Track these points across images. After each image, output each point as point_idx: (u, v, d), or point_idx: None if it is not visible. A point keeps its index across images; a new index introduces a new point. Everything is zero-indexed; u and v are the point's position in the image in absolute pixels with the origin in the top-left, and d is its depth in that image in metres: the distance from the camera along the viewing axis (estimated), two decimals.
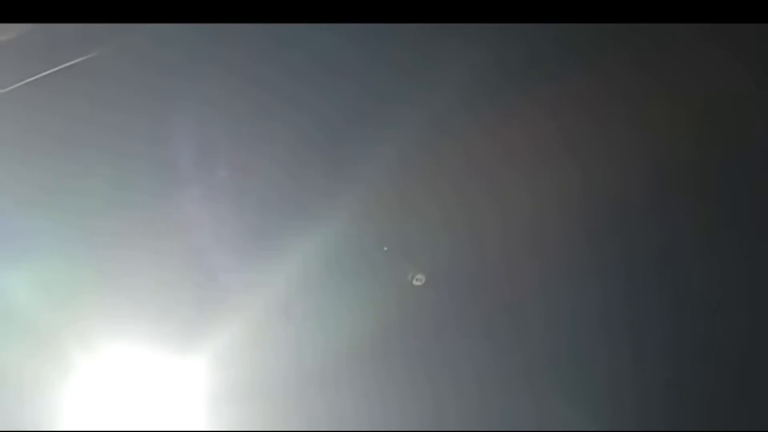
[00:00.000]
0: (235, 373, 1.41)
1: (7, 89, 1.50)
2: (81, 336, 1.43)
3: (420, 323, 1.41)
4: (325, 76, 1.46)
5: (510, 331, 1.40)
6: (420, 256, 1.44)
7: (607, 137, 1.43)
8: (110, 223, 1.51)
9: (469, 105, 1.43)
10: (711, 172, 1.43)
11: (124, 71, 1.48)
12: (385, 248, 1.44)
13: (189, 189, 1.50)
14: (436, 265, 1.43)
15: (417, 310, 1.42)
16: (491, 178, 1.44)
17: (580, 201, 1.42)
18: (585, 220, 1.42)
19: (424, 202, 1.46)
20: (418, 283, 1.42)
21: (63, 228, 1.50)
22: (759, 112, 1.41)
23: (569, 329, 1.41)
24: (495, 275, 1.43)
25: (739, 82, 1.41)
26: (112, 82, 1.50)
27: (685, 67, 1.43)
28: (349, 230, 1.42)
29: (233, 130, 1.44)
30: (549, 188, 1.42)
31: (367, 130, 1.45)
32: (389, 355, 1.39)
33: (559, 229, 1.42)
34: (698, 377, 1.40)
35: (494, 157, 1.43)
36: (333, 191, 1.44)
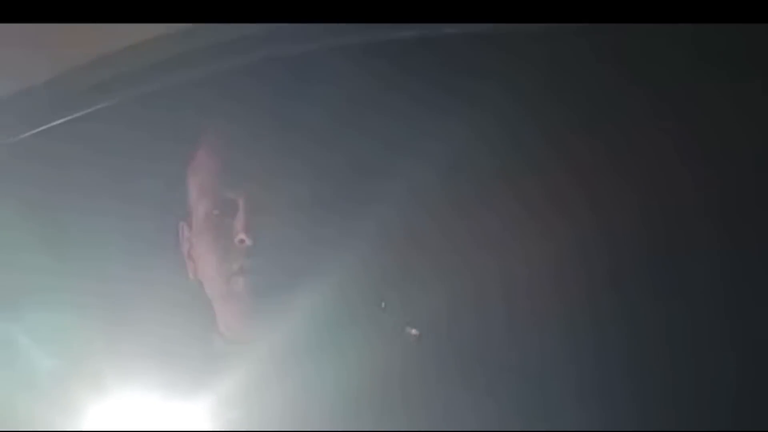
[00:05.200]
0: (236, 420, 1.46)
1: (17, 138, 1.53)
2: (89, 382, 1.48)
3: (417, 379, 1.45)
4: (326, 130, 1.49)
5: (510, 388, 1.44)
6: (417, 313, 1.48)
7: (613, 194, 1.47)
8: (120, 284, 1.56)
9: (474, 160, 1.47)
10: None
11: (139, 120, 1.50)
12: (383, 304, 1.49)
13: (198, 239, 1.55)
14: (434, 321, 1.48)
15: (414, 366, 1.46)
16: (491, 236, 1.48)
17: (584, 255, 1.46)
18: (586, 276, 1.46)
19: (424, 259, 1.50)
20: (414, 340, 1.47)
21: (71, 277, 1.55)
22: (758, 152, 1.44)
23: (569, 384, 1.45)
24: (493, 332, 1.47)
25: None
26: (128, 131, 1.53)
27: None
28: (346, 286, 1.46)
29: (251, 184, 1.49)
30: (551, 244, 1.46)
31: (367, 185, 1.50)
32: (384, 411, 1.43)
33: (560, 284, 1.46)
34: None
35: (496, 213, 1.47)
36: (331, 246, 1.49)
